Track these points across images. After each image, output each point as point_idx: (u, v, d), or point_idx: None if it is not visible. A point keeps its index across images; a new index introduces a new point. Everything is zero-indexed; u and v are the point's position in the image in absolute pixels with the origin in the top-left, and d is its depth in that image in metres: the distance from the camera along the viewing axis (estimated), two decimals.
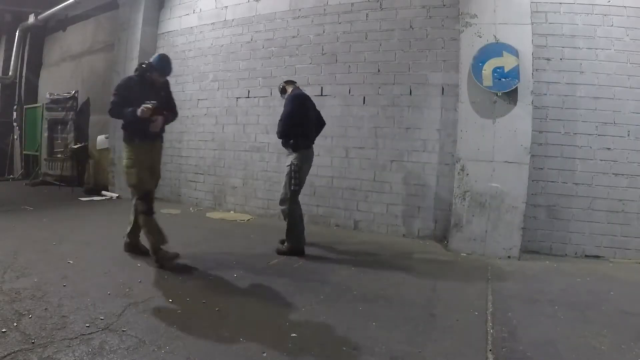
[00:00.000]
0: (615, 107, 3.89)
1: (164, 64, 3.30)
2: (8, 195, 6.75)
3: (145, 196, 3.25)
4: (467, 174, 3.97)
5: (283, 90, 3.88)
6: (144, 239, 3.43)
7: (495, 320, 2.43)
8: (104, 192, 6.71)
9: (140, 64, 3.35)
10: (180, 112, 6.15)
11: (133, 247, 3.51)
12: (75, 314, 2.26)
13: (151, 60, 3.29)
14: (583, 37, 3.95)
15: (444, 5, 4.41)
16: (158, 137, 3.42)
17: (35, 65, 9.30)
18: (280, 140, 3.77)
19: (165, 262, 3.13)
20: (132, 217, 3.42)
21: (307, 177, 5.15)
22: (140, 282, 2.83)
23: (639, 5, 3.85)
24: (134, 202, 3.33)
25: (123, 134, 3.29)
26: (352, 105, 4.87)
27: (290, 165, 3.63)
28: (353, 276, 3.18)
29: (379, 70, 4.71)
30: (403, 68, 4.59)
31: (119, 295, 2.57)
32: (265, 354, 1.95)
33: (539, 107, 3.97)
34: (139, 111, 3.03)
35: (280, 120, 3.67)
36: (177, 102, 6.29)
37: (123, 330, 2.10)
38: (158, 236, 3.21)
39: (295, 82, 3.95)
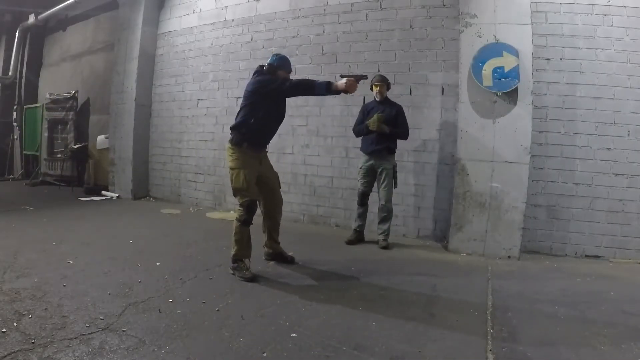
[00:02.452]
0: (615, 107, 3.89)
1: (286, 61, 3.24)
2: (8, 195, 6.75)
3: (250, 205, 3.03)
4: (467, 174, 3.97)
5: (387, 89, 4.12)
6: (284, 246, 3.48)
7: (495, 320, 2.43)
8: (104, 192, 6.71)
9: (260, 67, 3.22)
10: (180, 112, 6.27)
11: (275, 256, 3.42)
12: (75, 314, 2.26)
13: (269, 61, 3.19)
14: (583, 37, 3.95)
15: (444, 5, 4.41)
16: (264, 148, 3.29)
17: (35, 65, 9.30)
18: (381, 147, 4.01)
19: (239, 274, 2.99)
20: (264, 227, 3.38)
21: (307, 177, 5.21)
22: (140, 282, 2.83)
23: (639, 5, 3.85)
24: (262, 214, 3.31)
25: (231, 136, 3.11)
26: (352, 105, 4.86)
27: (393, 167, 4.10)
28: (353, 276, 3.18)
29: (379, 70, 4.70)
30: (403, 68, 4.60)
31: (119, 295, 2.57)
32: (265, 354, 1.95)
33: (539, 107, 3.97)
34: (344, 86, 2.87)
35: (404, 126, 4.08)
36: (177, 102, 6.35)
37: (123, 330, 2.10)
38: (244, 250, 3.06)
39: None
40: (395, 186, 4.14)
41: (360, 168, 4.16)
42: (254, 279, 2.97)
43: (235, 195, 3.10)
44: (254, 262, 3.20)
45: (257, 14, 5.53)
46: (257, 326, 2.24)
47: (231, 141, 3.11)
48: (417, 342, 2.12)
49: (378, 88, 4.03)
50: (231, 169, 3.08)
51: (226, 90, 5.78)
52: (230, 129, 3.17)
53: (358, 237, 4.20)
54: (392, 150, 4.08)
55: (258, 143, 3.17)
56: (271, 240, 3.41)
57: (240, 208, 3.05)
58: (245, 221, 3.03)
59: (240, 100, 5.84)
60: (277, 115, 3.23)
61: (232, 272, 3.06)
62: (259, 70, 3.21)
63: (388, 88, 4.12)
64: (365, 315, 2.43)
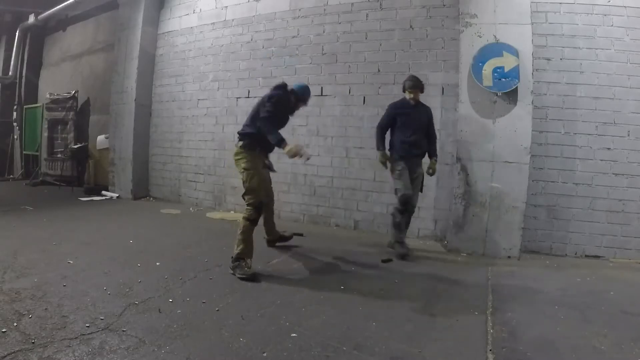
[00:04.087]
0: (615, 107, 3.89)
1: (307, 94, 3.53)
2: (8, 195, 6.76)
3: (260, 205, 3.21)
4: (467, 174, 3.97)
5: (421, 92, 3.86)
6: (285, 245, 3.89)
7: (495, 320, 2.43)
8: (104, 192, 6.71)
9: (283, 85, 3.43)
10: (180, 112, 6.27)
11: (277, 239, 3.89)
12: (75, 314, 2.26)
13: (294, 87, 3.45)
14: (583, 37, 3.95)
15: (444, 5, 4.41)
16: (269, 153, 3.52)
17: (35, 65, 9.30)
18: (421, 152, 3.86)
19: (239, 272, 3.01)
20: (264, 219, 3.67)
21: (307, 177, 5.21)
22: (140, 282, 2.83)
23: (639, 5, 3.85)
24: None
25: (245, 142, 3.27)
26: (352, 105, 4.87)
27: (422, 172, 3.87)
28: (353, 276, 3.18)
29: (379, 70, 4.72)
30: (403, 68, 4.59)
31: (119, 295, 2.57)
32: (265, 354, 1.95)
33: (539, 107, 3.97)
34: (288, 149, 3.05)
35: (434, 132, 3.94)
36: (177, 102, 6.35)
37: (123, 330, 2.10)
38: (248, 249, 3.12)
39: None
40: (421, 191, 3.91)
41: (399, 170, 3.73)
42: (254, 277, 2.98)
43: (246, 194, 3.23)
44: (257, 260, 3.20)
45: (257, 14, 5.53)
46: (257, 326, 2.25)
47: (245, 146, 3.27)
48: (417, 342, 2.12)
49: (412, 95, 3.75)
50: (246, 169, 3.23)
51: (226, 90, 5.78)
52: (242, 134, 3.32)
53: (409, 250, 3.76)
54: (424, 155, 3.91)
55: (268, 148, 3.40)
56: (271, 226, 3.83)
57: (249, 207, 3.19)
58: (254, 220, 3.17)
59: (241, 100, 5.86)
60: (284, 124, 3.51)
61: (231, 271, 3.06)
62: (280, 86, 3.43)
63: (422, 91, 3.84)
64: (365, 315, 2.43)
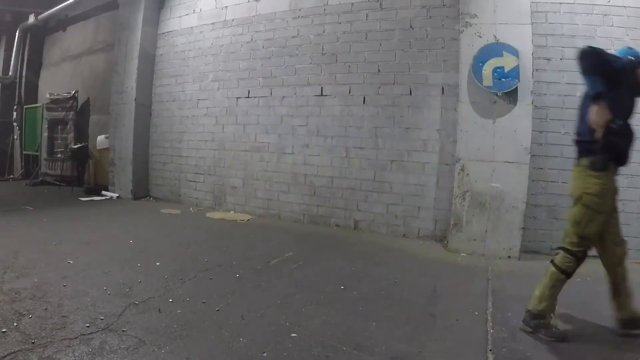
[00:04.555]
0: None
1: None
2: (8, 195, 6.76)
3: (584, 256, 2.25)
4: (467, 174, 3.97)
5: None
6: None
7: (495, 320, 2.43)
8: (104, 192, 6.71)
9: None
10: (180, 112, 6.27)
11: (631, 322, 2.24)
12: (75, 314, 2.26)
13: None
14: (583, 37, 3.94)
15: (444, 5, 4.41)
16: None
17: (35, 65, 9.31)
18: None
19: (544, 334, 2.20)
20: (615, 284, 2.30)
21: (307, 177, 5.21)
22: (140, 282, 2.83)
23: (639, 5, 3.85)
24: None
25: (591, 159, 2.15)
26: (352, 105, 4.87)
27: None
28: (353, 276, 3.18)
29: (379, 70, 4.72)
30: (403, 68, 4.59)
31: (119, 295, 2.57)
32: (265, 354, 1.95)
33: (539, 107, 3.96)
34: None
35: None
36: (177, 102, 6.35)
37: (123, 330, 2.10)
38: (552, 305, 2.26)
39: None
40: None
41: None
42: (566, 337, 2.21)
43: (574, 236, 2.25)
44: (257, 261, 3.19)
45: (257, 14, 5.53)
46: (257, 326, 2.25)
47: (592, 166, 2.16)
48: (417, 342, 2.12)
49: None
50: (587, 207, 2.19)
51: (226, 90, 5.78)
52: (583, 148, 2.22)
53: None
54: None
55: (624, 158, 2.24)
56: (623, 296, 2.27)
57: (569, 255, 2.24)
58: (570, 274, 2.26)
59: (241, 100, 5.84)
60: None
61: (528, 328, 2.26)
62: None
63: None
64: (365, 315, 2.43)
